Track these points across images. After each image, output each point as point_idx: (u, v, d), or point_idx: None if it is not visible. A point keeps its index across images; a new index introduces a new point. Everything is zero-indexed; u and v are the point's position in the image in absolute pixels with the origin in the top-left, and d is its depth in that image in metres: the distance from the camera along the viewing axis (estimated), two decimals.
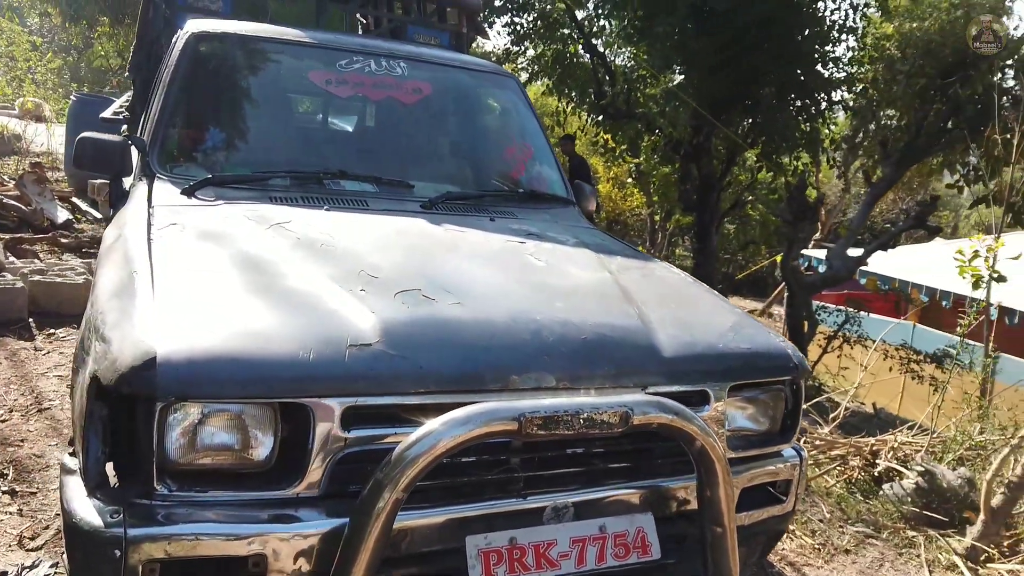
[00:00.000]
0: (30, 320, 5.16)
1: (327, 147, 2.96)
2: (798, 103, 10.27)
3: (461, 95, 3.26)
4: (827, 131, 9.84)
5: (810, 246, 13.69)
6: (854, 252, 7.88)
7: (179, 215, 2.29)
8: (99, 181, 8.55)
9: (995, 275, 3.59)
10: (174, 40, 2.98)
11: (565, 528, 1.72)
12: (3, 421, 3.79)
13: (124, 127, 3.92)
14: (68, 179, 8.55)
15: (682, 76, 10.37)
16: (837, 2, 9.86)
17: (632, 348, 1.89)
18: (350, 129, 3.17)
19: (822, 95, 10.11)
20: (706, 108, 9.39)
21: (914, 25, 10.38)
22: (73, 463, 1.65)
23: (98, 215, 7.96)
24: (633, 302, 2.08)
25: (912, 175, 8.66)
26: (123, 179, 2.75)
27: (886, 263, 8.52)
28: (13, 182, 7.83)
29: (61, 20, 19.54)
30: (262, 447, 1.61)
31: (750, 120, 10.49)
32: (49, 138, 10.79)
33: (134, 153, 2.70)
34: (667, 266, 2.62)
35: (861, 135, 8.52)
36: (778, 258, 14.92)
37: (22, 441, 3.51)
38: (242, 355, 1.56)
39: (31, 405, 3.99)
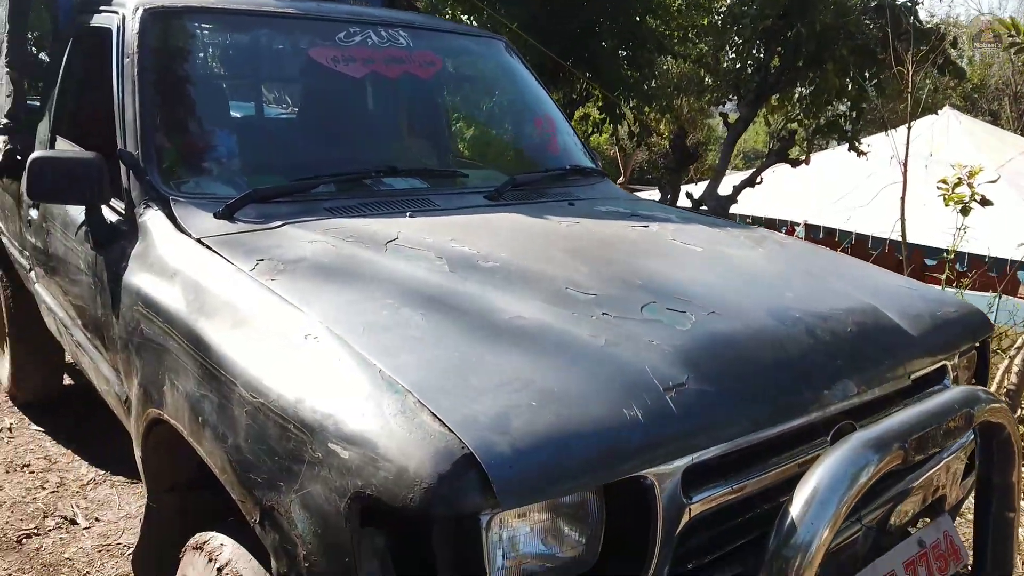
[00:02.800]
0: None
1: (355, 138, 2.43)
2: (627, 54, 10.58)
3: (471, 65, 2.83)
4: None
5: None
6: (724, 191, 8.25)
7: (255, 248, 1.74)
8: None
9: (978, 198, 3.83)
10: (116, 24, 2.28)
11: (894, 555, 1.50)
12: None
13: (2, 139, 3.03)
14: None
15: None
16: None
17: (889, 334, 1.69)
18: (362, 114, 2.63)
19: (650, 46, 10.49)
20: (546, 64, 9.34)
21: None
22: None
23: None
24: (832, 281, 1.88)
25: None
26: (101, 208, 2.08)
27: (754, 197, 9.01)
28: None
29: None
30: (588, 543, 1.22)
31: (588, 74, 10.62)
32: None
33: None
34: (772, 232, 2.43)
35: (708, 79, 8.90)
36: None
37: None
38: (568, 433, 1.16)
39: None
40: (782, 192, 11.72)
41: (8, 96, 2.93)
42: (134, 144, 2.05)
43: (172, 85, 2.19)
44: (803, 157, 8.00)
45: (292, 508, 1.21)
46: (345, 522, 1.12)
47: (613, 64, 10.15)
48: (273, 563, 1.27)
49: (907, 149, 5.14)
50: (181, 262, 1.75)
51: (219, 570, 1.53)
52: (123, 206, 2.07)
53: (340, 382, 1.25)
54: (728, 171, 13.32)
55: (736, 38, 8.84)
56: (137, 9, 2.26)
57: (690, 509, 1.26)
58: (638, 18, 10.22)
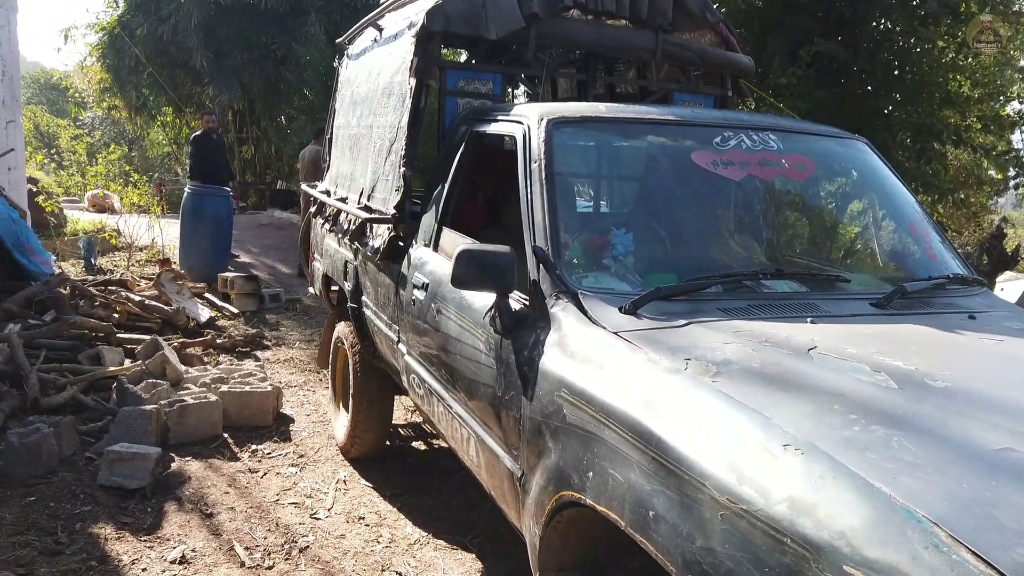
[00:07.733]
0: (224, 436, 4.70)
1: (734, 239, 2.49)
2: (915, 145, 9.90)
3: (843, 168, 2.78)
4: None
5: None
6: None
7: (675, 346, 1.79)
8: (231, 275, 8.01)
9: None
10: (522, 132, 2.53)
11: None
12: (270, 568, 3.28)
13: (385, 230, 3.46)
14: (186, 275, 8.19)
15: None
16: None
17: None
18: (738, 215, 2.69)
19: (946, 138, 9.73)
20: None
21: None
22: None
23: (234, 310, 7.56)
24: None
25: None
26: (509, 297, 2.26)
27: None
28: (148, 282, 7.48)
29: (127, 112, 19.67)
30: None
31: None
32: (152, 232, 10.52)
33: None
34: None
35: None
36: None
37: None
38: None
39: (285, 543, 3.49)
40: None
41: (396, 190, 3.36)
42: (543, 240, 2.23)
43: (574, 187, 2.37)
44: None
45: None
46: None
47: (894, 156, 9.60)
48: None
49: None
50: (607, 354, 1.84)
51: None
52: (526, 296, 2.25)
53: (843, 501, 1.21)
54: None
55: None
56: (542, 119, 2.49)
57: None
58: (935, 106, 9.63)
